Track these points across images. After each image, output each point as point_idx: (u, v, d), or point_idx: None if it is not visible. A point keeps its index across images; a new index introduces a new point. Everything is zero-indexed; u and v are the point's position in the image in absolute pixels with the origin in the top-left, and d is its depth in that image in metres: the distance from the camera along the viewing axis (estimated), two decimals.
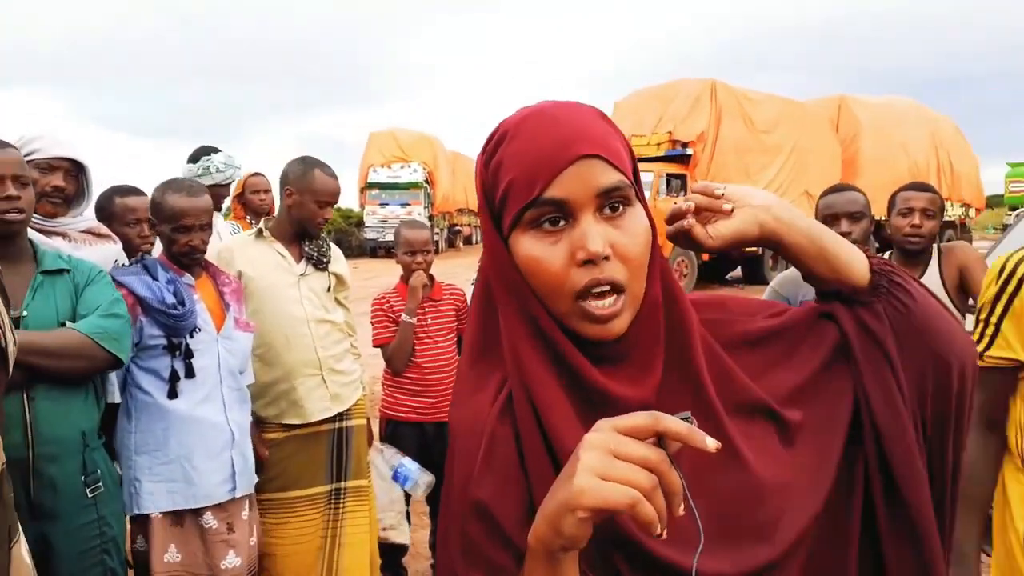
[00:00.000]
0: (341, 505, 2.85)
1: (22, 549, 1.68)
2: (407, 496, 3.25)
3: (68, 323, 2.03)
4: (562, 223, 0.79)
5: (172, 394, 2.30)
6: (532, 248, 0.80)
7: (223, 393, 2.39)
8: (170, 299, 2.28)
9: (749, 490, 0.82)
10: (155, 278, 2.32)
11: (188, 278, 2.42)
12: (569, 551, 0.67)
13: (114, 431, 2.32)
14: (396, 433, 3.27)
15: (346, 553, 2.82)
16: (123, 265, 2.46)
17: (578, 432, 0.72)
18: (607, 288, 0.78)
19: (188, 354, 2.31)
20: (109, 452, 2.20)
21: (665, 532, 0.62)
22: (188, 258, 2.41)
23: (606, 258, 0.77)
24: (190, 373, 2.32)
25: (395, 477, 3.07)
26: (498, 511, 0.79)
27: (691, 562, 0.70)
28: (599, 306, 0.78)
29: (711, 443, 0.62)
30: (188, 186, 2.42)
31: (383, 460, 3.10)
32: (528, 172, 0.79)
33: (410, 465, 3.09)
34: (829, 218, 2.55)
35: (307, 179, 2.74)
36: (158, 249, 3.10)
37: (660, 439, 0.64)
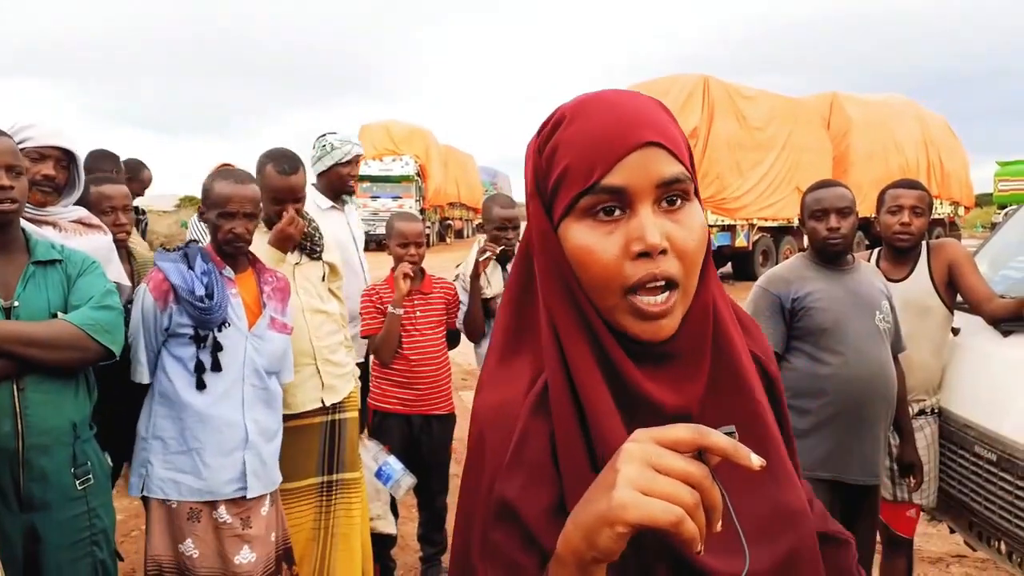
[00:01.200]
0: (334, 497, 2.85)
1: None
2: None
3: (60, 314, 2.03)
4: (617, 212, 0.75)
5: (200, 385, 2.29)
6: (585, 237, 0.76)
7: (244, 391, 2.37)
8: (199, 291, 2.28)
9: (784, 513, 0.80)
10: (191, 267, 2.33)
11: (229, 271, 2.42)
12: (600, 563, 0.64)
13: (110, 416, 2.31)
14: (383, 424, 3.27)
15: (339, 544, 2.83)
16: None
17: (621, 431, 0.72)
18: (661, 284, 0.74)
19: (216, 347, 2.31)
20: (100, 443, 2.19)
21: (703, 548, 0.60)
22: (231, 246, 2.40)
23: (662, 252, 0.74)
24: (216, 366, 2.31)
25: (378, 474, 3.07)
26: (524, 510, 0.74)
27: (735, 570, 0.69)
28: (651, 302, 0.74)
29: (756, 460, 0.60)
30: (237, 174, 2.43)
31: (368, 455, 3.10)
32: (586, 157, 0.75)
33: (395, 464, 3.09)
34: (818, 213, 2.55)
35: (260, 177, 2.71)
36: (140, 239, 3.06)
37: (701, 452, 0.61)
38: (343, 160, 3.47)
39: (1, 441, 1.91)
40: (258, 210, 2.44)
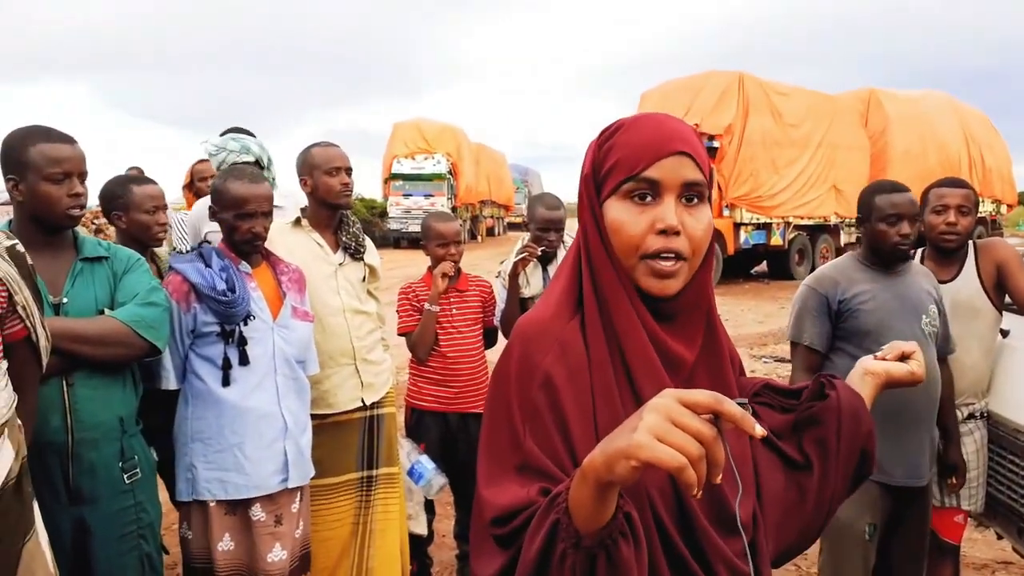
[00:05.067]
0: (372, 492, 2.87)
1: (40, 541, 1.70)
2: None
3: (107, 311, 2.06)
4: (649, 199, 1.00)
5: (225, 382, 2.31)
6: (621, 213, 1.01)
7: (277, 382, 2.39)
8: (220, 285, 2.29)
9: (743, 456, 1.06)
10: (209, 265, 2.34)
11: (245, 266, 2.43)
12: (615, 487, 0.79)
13: (155, 416, 2.33)
14: (420, 422, 3.27)
15: (376, 540, 2.84)
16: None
17: (642, 334, 0.99)
18: (672, 255, 0.98)
19: (242, 341, 2.33)
20: (146, 438, 2.22)
21: (700, 493, 0.72)
22: (249, 245, 2.41)
23: (677, 233, 0.98)
24: (244, 361, 2.33)
25: (410, 473, 3.07)
26: (563, 393, 0.97)
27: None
28: (664, 264, 0.98)
29: (759, 431, 0.73)
30: (250, 173, 2.42)
31: (403, 453, 3.10)
32: (634, 154, 1.01)
33: (427, 464, 3.08)
34: (892, 217, 2.47)
35: (308, 160, 2.78)
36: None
37: (716, 417, 0.73)
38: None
39: (51, 435, 1.95)
40: (272, 207, 2.45)
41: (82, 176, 2.06)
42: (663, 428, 0.72)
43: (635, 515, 0.85)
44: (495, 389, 1.04)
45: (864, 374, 1.17)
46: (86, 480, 2.01)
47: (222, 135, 3.39)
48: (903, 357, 1.18)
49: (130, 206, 2.65)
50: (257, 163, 3.23)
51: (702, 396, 0.73)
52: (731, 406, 0.73)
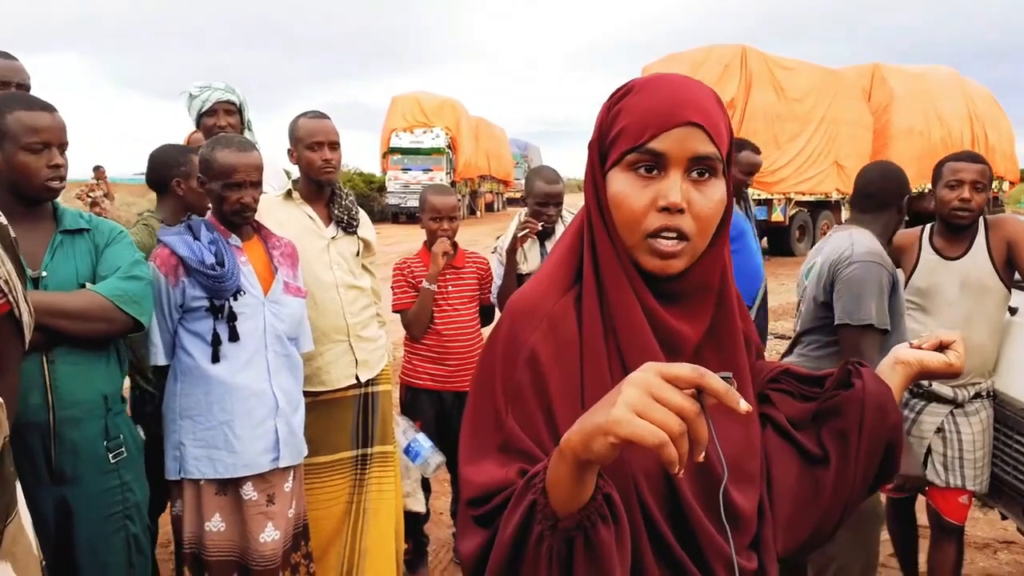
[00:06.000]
0: (366, 471, 2.82)
1: (23, 522, 1.66)
2: None
3: (88, 284, 1.99)
4: (654, 172, 0.93)
5: (215, 358, 2.25)
6: (623, 185, 0.94)
7: (268, 359, 2.33)
8: (209, 259, 2.22)
9: (750, 443, 1.00)
10: (197, 238, 2.27)
11: (235, 239, 2.36)
12: (594, 465, 0.76)
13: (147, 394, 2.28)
14: (415, 400, 3.23)
15: (370, 519, 2.79)
16: None
17: (638, 310, 0.93)
18: (674, 235, 0.91)
19: (231, 317, 2.26)
20: (133, 417, 2.16)
21: (683, 472, 0.69)
22: (239, 216, 2.34)
23: (681, 211, 0.91)
24: (234, 337, 2.27)
25: (406, 451, 3.03)
26: (548, 370, 0.92)
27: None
28: (664, 244, 0.91)
29: (744, 406, 0.68)
30: (238, 142, 2.35)
31: (398, 431, 3.06)
32: (641, 122, 0.93)
33: (424, 442, 3.03)
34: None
35: (294, 131, 2.70)
36: None
37: (699, 391, 0.70)
38: (204, 110, 3.09)
39: (32, 414, 1.88)
40: (262, 177, 2.37)
41: (62, 147, 1.97)
42: (643, 403, 0.69)
43: (616, 497, 0.81)
44: (481, 365, 1.00)
45: (895, 363, 1.10)
46: (68, 460, 1.95)
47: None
48: (940, 347, 1.11)
49: (192, 174, 2.61)
50: (239, 109, 3.17)
51: (684, 370, 0.70)
52: (714, 380, 0.69)
